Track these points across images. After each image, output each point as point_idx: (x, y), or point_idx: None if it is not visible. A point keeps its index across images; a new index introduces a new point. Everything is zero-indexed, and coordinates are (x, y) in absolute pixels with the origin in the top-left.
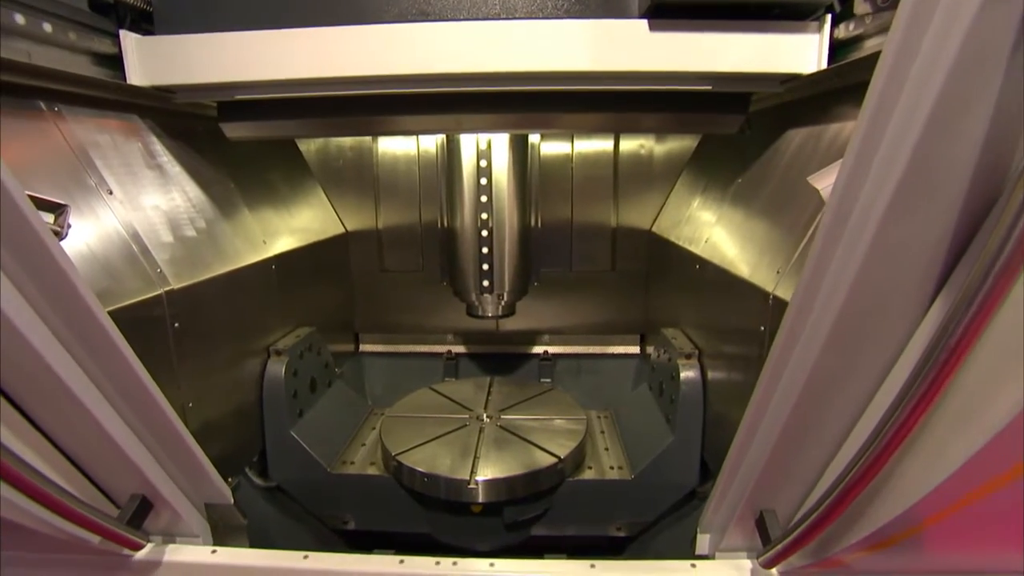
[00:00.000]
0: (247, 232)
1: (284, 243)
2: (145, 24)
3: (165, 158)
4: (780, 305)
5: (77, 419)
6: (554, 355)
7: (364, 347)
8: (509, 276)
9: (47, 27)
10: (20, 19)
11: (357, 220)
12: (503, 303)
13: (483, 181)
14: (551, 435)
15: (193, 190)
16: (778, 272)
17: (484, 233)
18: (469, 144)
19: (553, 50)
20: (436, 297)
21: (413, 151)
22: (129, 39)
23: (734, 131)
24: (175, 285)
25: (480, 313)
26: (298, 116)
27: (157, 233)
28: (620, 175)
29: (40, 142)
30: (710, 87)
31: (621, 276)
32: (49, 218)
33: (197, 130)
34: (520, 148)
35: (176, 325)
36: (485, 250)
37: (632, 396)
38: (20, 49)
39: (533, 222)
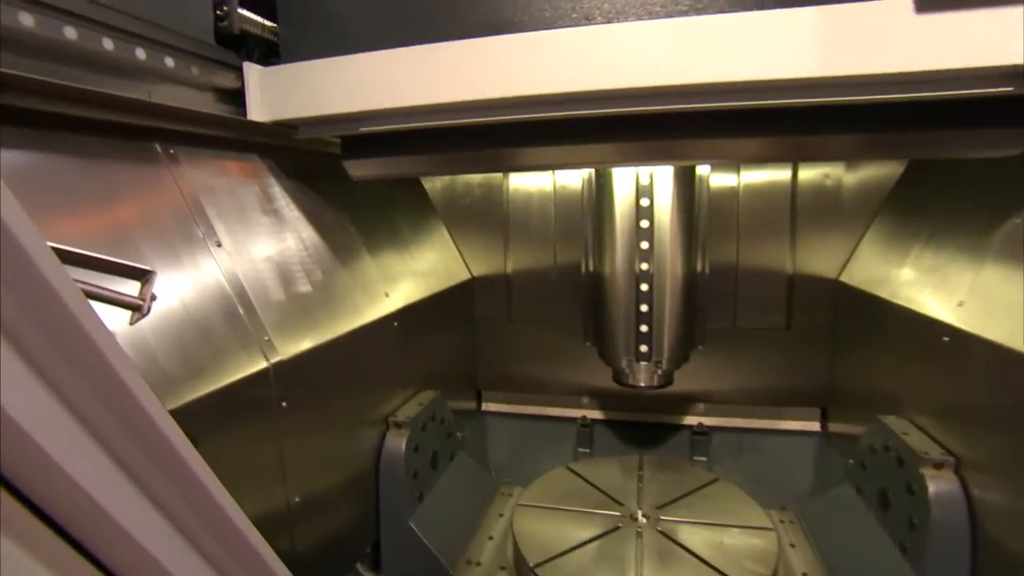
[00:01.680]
0: (368, 284)
1: (407, 294)
2: (272, 58)
3: (283, 202)
4: None
5: (138, 559)
6: (710, 428)
7: (487, 406)
8: (670, 340)
9: (169, 62)
10: (142, 54)
11: (484, 264)
12: (660, 372)
13: (643, 224)
14: (731, 552)
15: (311, 237)
16: None
17: (643, 287)
18: (626, 179)
19: (766, 52)
20: (569, 352)
21: (548, 187)
22: (252, 71)
23: (1017, 151)
24: (284, 356)
25: (631, 382)
26: (428, 151)
27: (267, 291)
28: (799, 211)
29: (150, 190)
30: (1011, 88)
31: (797, 335)
32: (134, 288)
33: (319, 169)
34: (686, 182)
35: (284, 405)
36: (644, 308)
37: (828, 499)
38: (140, 87)
39: (700, 269)
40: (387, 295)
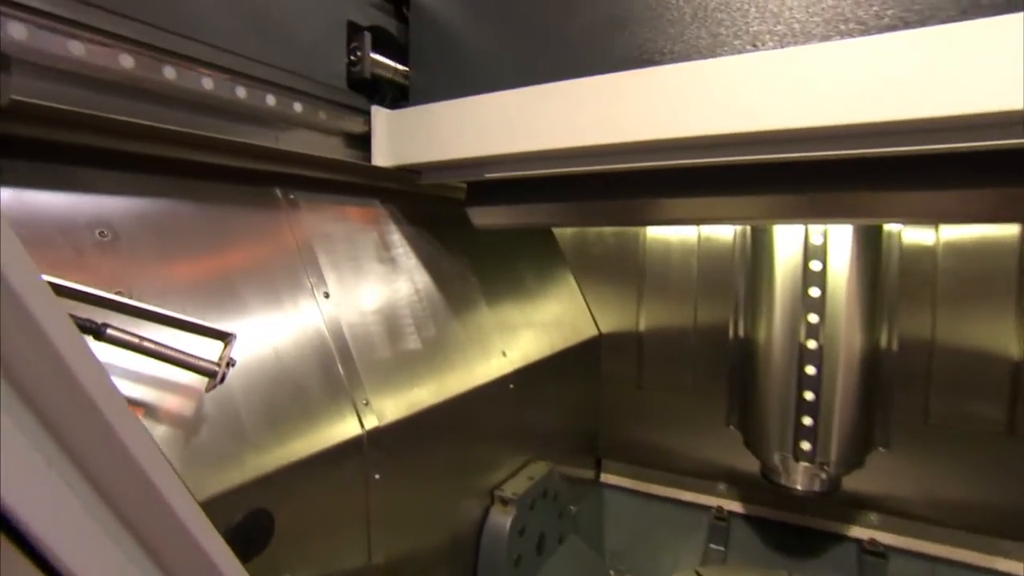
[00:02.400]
0: (484, 340)
1: (527, 352)
2: (404, 101)
3: (401, 249)
4: None
5: None
6: (887, 547)
7: (606, 477)
8: (841, 439)
9: (297, 107)
10: (272, 101)
11: (614, 320)
12: (824, 477)
13: (813, 292)
14: None
15: (427, 287)
16: None
17: (809, 370)
18: (791, 235)
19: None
20: (707, 428)
21: (692, 237)
22: (380, 115)
23: None
24: (381, 421)
25: (784, 483)
26: (558, 200)
27: (372, 347)
28: None
29: (263, 236)
30: None
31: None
32: (215, 351)
33: (443, 215)
34: (871, 241)
35: (377, 477)
36: (808, 396)
37: None
38: (268, 134)
39: (886, 356)
40: (504, 353)
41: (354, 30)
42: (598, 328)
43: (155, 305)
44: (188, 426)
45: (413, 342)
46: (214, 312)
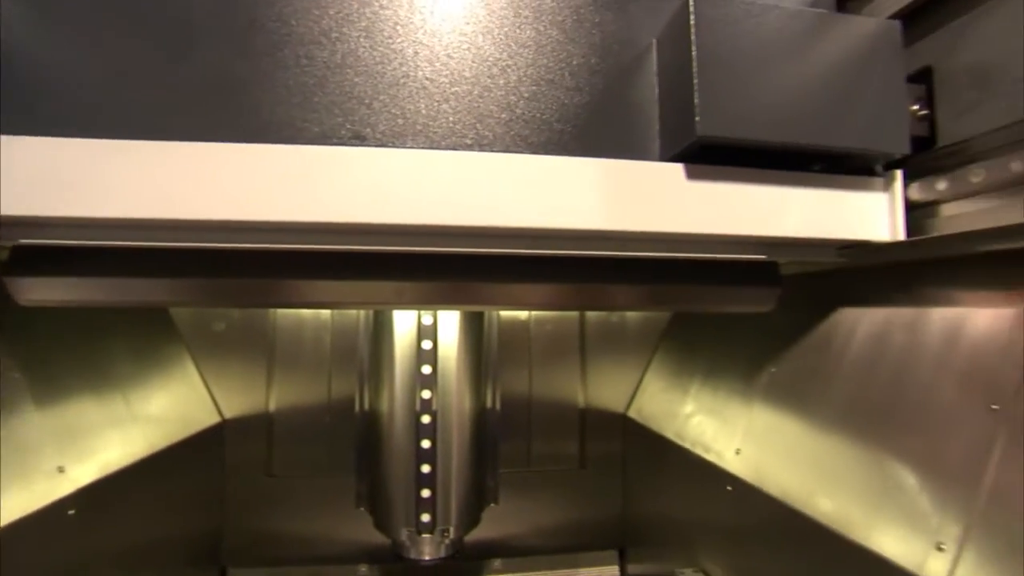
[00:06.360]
0: (26, 458)
1: (106, 461)
2: None
3: None
4: None
5: None
6: None
7: None
8: (459, 504)
9: None
10: None
11: (240, 404)
12: (448, 542)
13: (425, 370)
14: None
15: None
16: (940, 548)
17: (425, 444)
18: (407, 318)
19: (553, 199)
20: (344, 509)
21: (325, 313)
22: None
23: (769, 308)
24: None
25: (413, 556)
26: (143, 274)
27: None
28: (588, 343)
29: None
30: (764, 256)
31: (594, 474)
32: None
33: None
34: (474, 321)
35: None
36: (426, 469)
37: None
38: None
39: (492, 417)
40: (61, 470)
41: None
42: (221, 414)
43: None
44: None
45: None
46: None
